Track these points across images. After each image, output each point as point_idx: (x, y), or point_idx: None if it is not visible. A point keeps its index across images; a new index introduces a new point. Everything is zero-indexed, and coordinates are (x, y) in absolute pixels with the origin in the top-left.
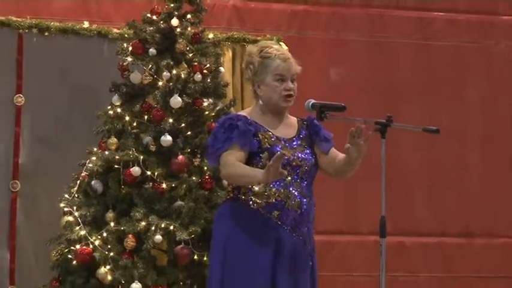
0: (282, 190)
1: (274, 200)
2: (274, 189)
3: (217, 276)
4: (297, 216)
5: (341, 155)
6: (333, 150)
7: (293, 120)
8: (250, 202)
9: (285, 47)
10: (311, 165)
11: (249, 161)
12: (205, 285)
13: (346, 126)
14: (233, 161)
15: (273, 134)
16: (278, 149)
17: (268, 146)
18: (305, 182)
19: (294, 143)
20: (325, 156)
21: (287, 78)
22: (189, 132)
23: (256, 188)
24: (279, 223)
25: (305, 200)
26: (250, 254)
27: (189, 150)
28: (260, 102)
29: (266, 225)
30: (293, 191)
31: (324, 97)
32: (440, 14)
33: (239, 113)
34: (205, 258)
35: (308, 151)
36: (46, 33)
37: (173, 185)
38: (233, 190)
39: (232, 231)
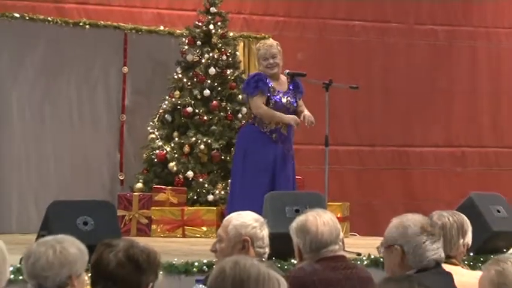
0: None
1: (273, 127)
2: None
3: (238, 167)
4: (285, 136)
5: (301, 108)
6: (301, 102)
7: (284, 79)
8: (261, 127)
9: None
10: (295, 106)
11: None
12: (228, 172)
13: (308, 85)
14: (262, 104)
15: (275, 87)
16: (279, 95)
17: (274, 94)
18: None
19: (287, 93)
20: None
21: (268, 57)
22: (219, 88)
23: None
24: (275, 139)
25: (290, 127)
26: (259, 155)
27: (219, 98)
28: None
29: (268, 140)
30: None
31: (294, 68)
32: (359, 22)
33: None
34: (228, 158)
35: (294, 98)
36: (140, 33)
37: (210, 117)
38: (253, 118)
39: (248, 143)
